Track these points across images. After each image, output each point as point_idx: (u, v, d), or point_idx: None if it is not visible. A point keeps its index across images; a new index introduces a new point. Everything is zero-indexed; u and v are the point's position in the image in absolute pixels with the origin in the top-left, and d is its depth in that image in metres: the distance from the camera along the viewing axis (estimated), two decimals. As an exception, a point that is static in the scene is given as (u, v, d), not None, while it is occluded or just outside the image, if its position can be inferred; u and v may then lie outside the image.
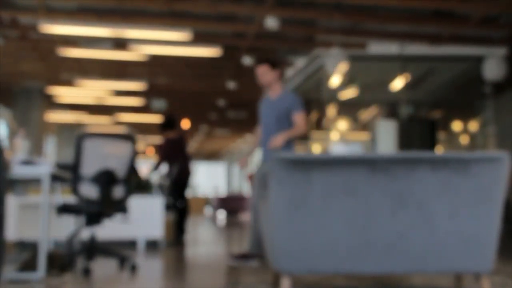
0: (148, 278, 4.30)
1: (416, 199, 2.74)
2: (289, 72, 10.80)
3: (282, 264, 2.75)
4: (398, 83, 9.39)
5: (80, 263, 4.90)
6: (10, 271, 4.14)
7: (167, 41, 8.87)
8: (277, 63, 5.02)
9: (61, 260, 4.33)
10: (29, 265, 4.14)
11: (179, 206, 7.69)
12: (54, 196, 5.50)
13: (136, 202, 6.87)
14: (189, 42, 8.79)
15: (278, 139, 4.67)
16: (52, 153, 17.71)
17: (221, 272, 4.46)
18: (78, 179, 4.33)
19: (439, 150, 10.06)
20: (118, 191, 4.50)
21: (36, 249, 4.21)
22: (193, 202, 22.70)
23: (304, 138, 11.83)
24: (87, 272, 4.24)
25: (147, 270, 4.78)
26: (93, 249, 4.53)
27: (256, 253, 4.75)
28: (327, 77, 8.91)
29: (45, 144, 13.64)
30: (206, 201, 22.92)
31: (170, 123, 7.73)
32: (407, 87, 9.48)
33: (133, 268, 4.56)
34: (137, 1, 7.19)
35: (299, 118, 4.81)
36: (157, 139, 22.60)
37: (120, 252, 4.81)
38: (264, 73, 4.95)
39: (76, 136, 4.39)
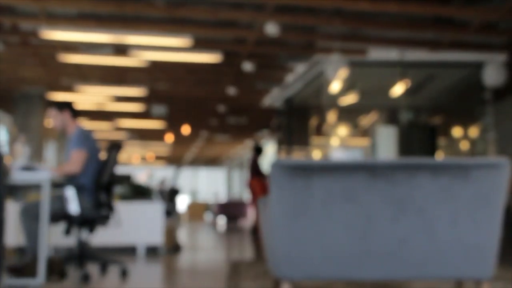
0: (148, 284, 4.30)
1: (416, 205, 2.74)
2: (289, 78, 10.81)
3: (282, 270, 2.74)
4: (398, 89, 9.39)
5: (73, 269, 4.89)
6: (9, 277, 4.13)
7: (167, 47, 8.88)
8: (64, 104, 4.80)
9: (60, 266, 4.32)
10: (29, 271, 4.13)
11: None
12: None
13: (136, 208, 6.87)
14: (190, 48, 8.80)
15: (52, 173, 4.41)
16: (52, 159, 17.71)
17: (221, 278, 4.44)
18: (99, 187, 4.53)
19: (439, 156, 10.06)
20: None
21: (36, 255, 4.20)
22: (193, 208, 22.68)
23: (304, 144, 11.84)
24: (86, 278, 4.24)
25: (147, 276, 4.77)
26: (83, 255, 4.55)
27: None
28: (327, 83, 8.92)
29: (46, 149, 13.63)
30: (206, 207, 22.90)
31: (257, 150, 10.14)
32: (407, 93, 9.49)
33: (124, 273, 4.57)
34: (138, 7, 7.20)
35: (72, 155, 4.61)
36: (158, 145, 22.61)
37: (105, 257, 4.81)
38: (53, 118, 4.78)
39: (109, 145, 4.65)
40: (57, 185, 4.52)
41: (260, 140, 18.67)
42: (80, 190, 4.46)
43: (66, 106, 4.78)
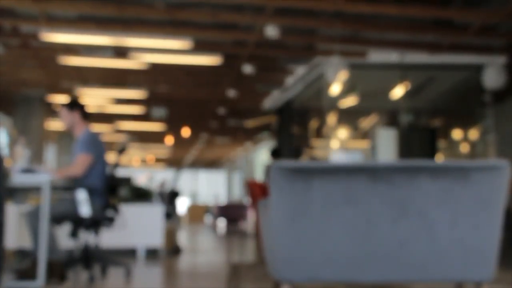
0: (148, 286, 4.30)
1: (417, 207, 2.74)
2: (289, 80, 10.81)
3: (282, 272, 2.74)
4: (398, 92, 9.39)
5: (75, 271, 4.89)
6: (9, 280, 4.13)
7: (167, 50, 8.88)
8: (76, 104, 4.80)
9: (61, 269, 4.32)
10: (28, 273, 4.13)
11: None
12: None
13: (136, 211, 6.87)
14: (190, 50, 8.80)
15: (52, 175, 4.35)
16: (52, 161, 17.70)
17: (221, 280, 4.44)
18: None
19: (440, 158, 10.06)
20: None
21: (36, 257, 4.20)
22: (193, 210, 22.69)
23: (305, 146, 11.84)
24: (92, 280, 4.26)
25: (147, 278, 4.77)
26: (91, 256, 4.55)
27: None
28: (327, 85, 8.92)
29: (46, 152, 13.62)
30: (206, 209, 22.89)
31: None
32: (407, 95, 9.49)
33: (128, 275, 4.59)
34: (138, 10, 7.20)
35: (77, 159, 4.58)
36: (158, 148, 22.61)
37: (113, 259, 4.82)
38: (63, 117, 4.78)
39: (121, 145, 4.73)
40: (67, 188, 4.53)
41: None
42: (91, 192, 4.47)
43: (77, 107, 4.80)
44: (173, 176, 15.02)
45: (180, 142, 19.98)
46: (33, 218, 4.33)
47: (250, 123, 14.58)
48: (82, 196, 4.41)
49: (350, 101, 10.09)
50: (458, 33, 7.99)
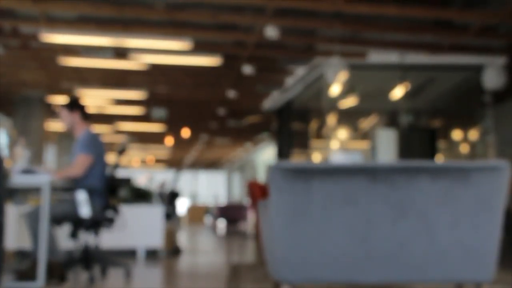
0: (148, 287, 4.29)
1: (417, 208, 2.74)
2: (289, 81, 10.81)
3: (281, 273, 2.74)
4: (398, 92, 9.39)
5: (75, 272, 4.89)
6: (9, 280, 4.13)
7: (167, 50, 8.88)
8: (76, 105, 4.80)
9: (61, 270, 4.32)
10: (28, 274, 4.13)
11: None
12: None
13: (136, 211, 6.87)
14: (189, 51, 8.80)
15: (52, 175, 4.33)
16: (52, 162, 17.70)
17: (221, 281, 4.44)
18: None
19: (439, 159, 10.06)
20: None
21: (36, 258, 4.20)
22: (193, 211, 22.69)
23: (304, 147, 11.84)
24: (92, 280, 4.26)
25: (147, 279, 4.77)
26: (91, 257, 4.55)
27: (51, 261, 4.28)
28: (327, 86, 8.92)
29: (45, 153, 13.61)
30: (206, 210, 22.89)
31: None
32: (407, 96, 9.49)
33: (128, 275, 4.59)
34: (138, 10, 7.20)
35: (77, 159, 4.57)
36: (158, 148, 22.61)
37: (113, 259, 4.82)
38: (63, 117, 4.78)
39: (121, 146, 4.74)
40: (67, 189, 4.53)
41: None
42: (91, 193, 4.47)
43: (77, 107, 4.81)
44: (173, 177, 15.03)
45: (180, 142, 19.99)
46: (33, 219, 4.33)
47: (246, 120, 14.62)
48: (82, 197, 4.41)
49: (350, 102, 10.09)
50: (458, 34, 7.99)
